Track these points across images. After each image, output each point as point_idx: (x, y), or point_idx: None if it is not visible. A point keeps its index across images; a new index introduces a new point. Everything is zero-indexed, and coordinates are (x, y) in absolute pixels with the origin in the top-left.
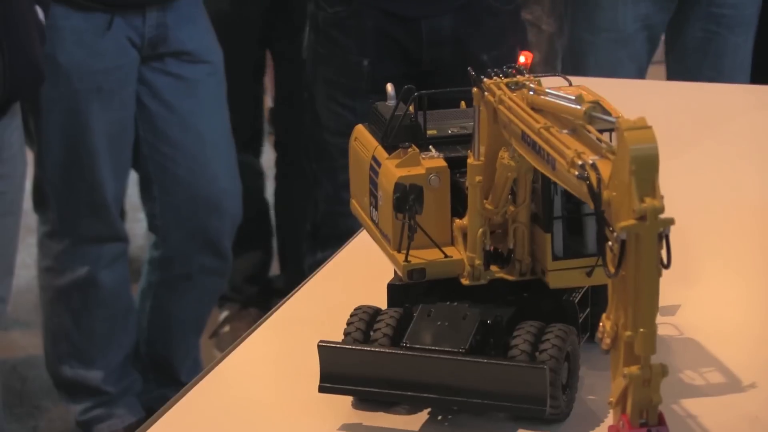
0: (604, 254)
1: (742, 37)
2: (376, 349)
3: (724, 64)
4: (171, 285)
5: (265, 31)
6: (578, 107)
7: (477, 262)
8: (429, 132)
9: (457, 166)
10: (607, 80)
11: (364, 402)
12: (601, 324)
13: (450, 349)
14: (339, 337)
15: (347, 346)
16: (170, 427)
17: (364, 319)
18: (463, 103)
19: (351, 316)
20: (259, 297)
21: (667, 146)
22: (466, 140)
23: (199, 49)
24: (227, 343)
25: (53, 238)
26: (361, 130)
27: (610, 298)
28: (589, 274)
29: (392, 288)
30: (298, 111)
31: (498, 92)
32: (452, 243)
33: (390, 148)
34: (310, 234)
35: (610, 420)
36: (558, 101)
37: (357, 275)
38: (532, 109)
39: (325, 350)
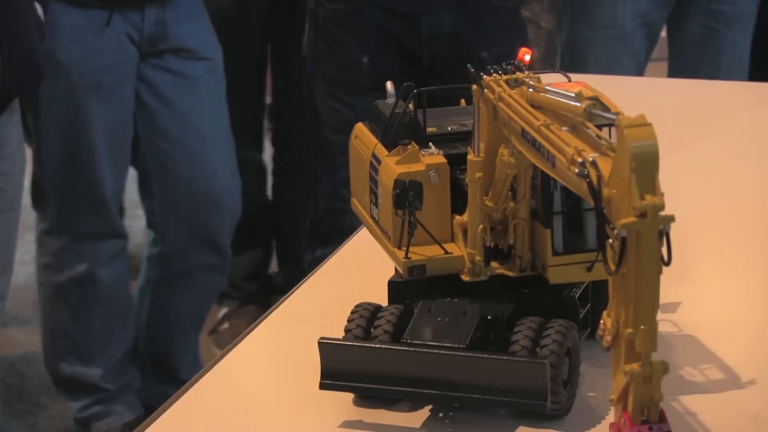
0: (605, 252)
1: (741, 34)
2: (377, 346)
3: (723, 60)
4: (170, 282)
5: (267, 28)
6: (578, 104)
7: (477, 258)
8: (429, 129)
9: (457, 162)
10: (606, 77)
11: (365, 399)
12: (601, 321)
13: (450, 345)
14: (339, 334)
15: (348, 343)
16: (171, 425)
17: (365, 316)
18: (462, 101)
19: (351, 313)
20: (259, 294)
21: (667, 143)
22: (465, 137)
23: (199, 46)
24: (226, 340)
25: (52, 235)
26: (361, 128)
27: (611, 295)
28: (589, 270)
29: (393, 285)
30: (298, 108)
31: (498, 89)
32: (452, 239)
33: (390, 146)
34: (310, 231)
35: (611, 417)
36: (558, 98)
37: (357, 272)
38: (532, 106)
39: (325, 347)
